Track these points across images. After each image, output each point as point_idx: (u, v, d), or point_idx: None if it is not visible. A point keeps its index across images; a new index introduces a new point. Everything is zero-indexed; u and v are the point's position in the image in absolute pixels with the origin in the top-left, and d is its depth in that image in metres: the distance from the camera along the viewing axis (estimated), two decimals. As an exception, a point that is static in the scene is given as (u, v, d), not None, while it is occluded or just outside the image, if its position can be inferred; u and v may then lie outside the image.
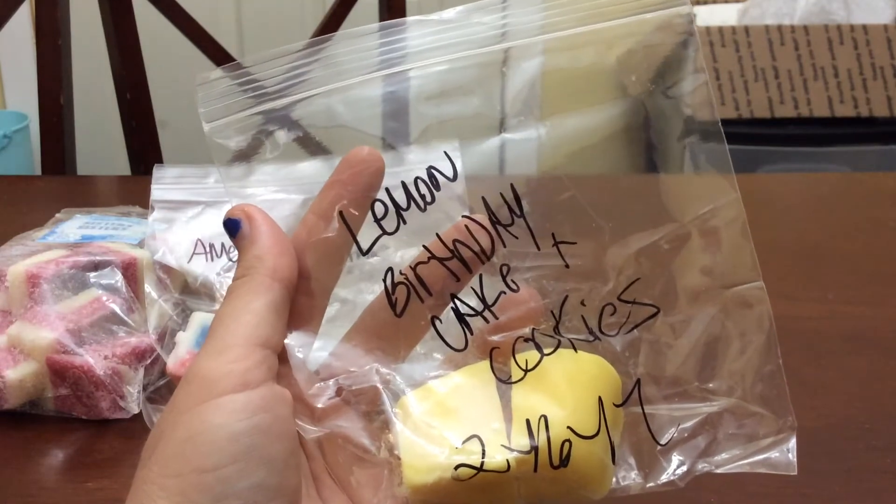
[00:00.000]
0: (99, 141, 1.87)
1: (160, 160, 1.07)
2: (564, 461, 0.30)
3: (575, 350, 0.33)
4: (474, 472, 0.30)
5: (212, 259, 0.55)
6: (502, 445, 0.30)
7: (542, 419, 0.30)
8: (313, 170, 0.53)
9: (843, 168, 1.92)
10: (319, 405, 0.32)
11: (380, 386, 0.32)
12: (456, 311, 0.33)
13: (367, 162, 0.33)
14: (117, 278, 0.53)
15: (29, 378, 0.49)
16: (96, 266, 0.53)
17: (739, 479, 0.43)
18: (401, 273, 0.34)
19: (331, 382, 0.33)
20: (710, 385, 0.35)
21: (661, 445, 0.34)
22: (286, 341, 0.32)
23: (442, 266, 0.33)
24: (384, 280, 0.34)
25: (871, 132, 1.92)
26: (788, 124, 1.91)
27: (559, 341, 0.33)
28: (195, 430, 0.28)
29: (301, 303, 0.33)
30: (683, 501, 0.41)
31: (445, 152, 0.36)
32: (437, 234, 0.34)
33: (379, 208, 0.34)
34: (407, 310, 0.33)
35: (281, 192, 0.51)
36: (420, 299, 0.33)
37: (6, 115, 2.15)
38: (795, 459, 0.35)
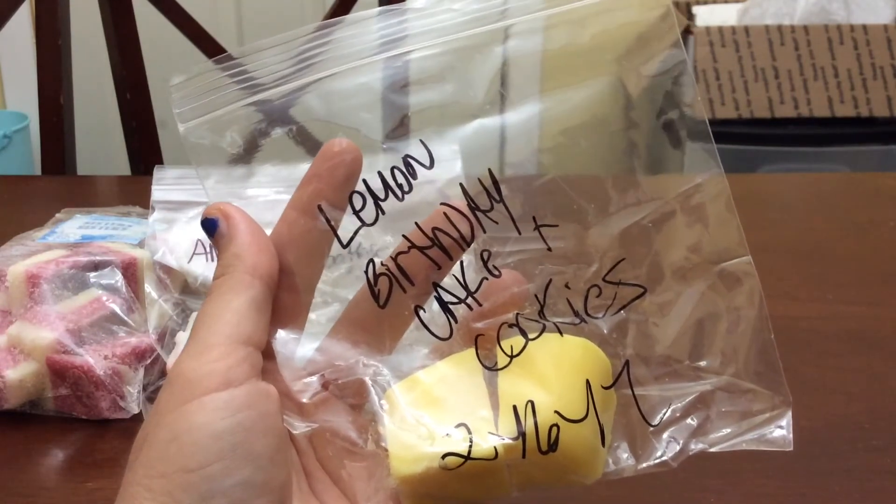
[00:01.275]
0: (99, 141, 1.87)
1: (160, 160, 1.07)
2: (553, 446, 0.30)
3: (561, 334, 0.33)
4: (462, 460, 0.30)
5: (212, 259, 0.55)
6: (489, 433, 0.30)
7: (529, 405, 0.30)
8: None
9: (843, 168, 1.92)
10: (306, 400, 0.32)
11: (366, 379, 0.32)
12: (439, 299, 0.33)
13: (343, 154, 0.33)
14: (117, 278, 0.53)
15: (29, 378, 0.49)
16: (96, 266, 0.53)
17: (739, 479, 0.43)
18: (382, 264, 0.34)
19: (317, 377, 0.32)
20: (702, 363, 0.35)
21: (652, 426, 0.34)
22: (271, 337, 0.32)
23: (423, 255, 0.33)
24: (366, 272, 0.33)
25: (871, 132, 1.92)
26: (788, 124, 1.91)
27: (544, 325, 0.33)
28: (179, 430, 0.28)
29: (284, 299, 0.33)
30: (683, 501, 0.41)
31: (421, 140, 0.36)
32: (416, 223, 0.34)
33: (357, 200, 0.34)
34: (390, 301, 0.33)
35: (283, 192, 0.51)
36: (403, 290, 0.33)
37: (6, 115, 2.15)
38: (791, 435, 0.34)
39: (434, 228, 0.34)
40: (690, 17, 2.03)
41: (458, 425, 0.30)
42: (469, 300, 0.33)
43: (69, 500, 0.41)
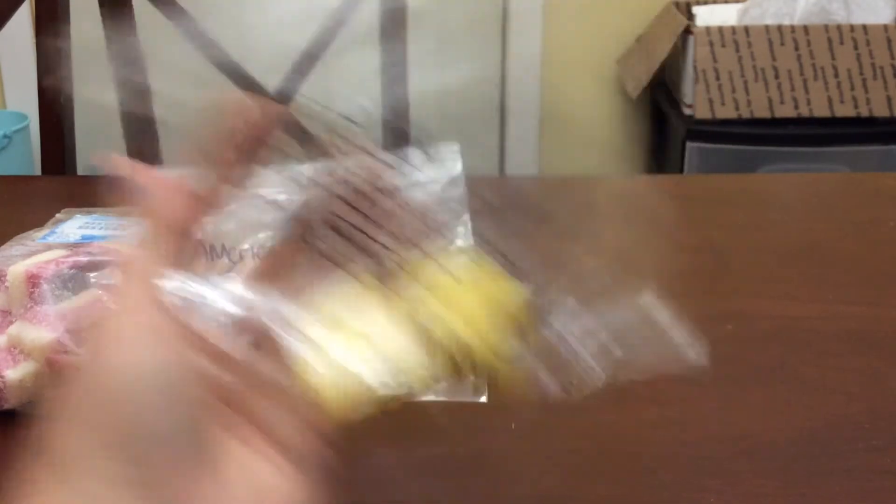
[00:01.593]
0: (99, 141, 1.87)
1: (160, 160, 1.07)
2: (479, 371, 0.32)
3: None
4: (397, 400, 0.31)
5: (212, 260, 0.55)
6: (413, 371, 0.31)
7: (455, 341, 0.31)
8: (314, 172, 0.53)
9: (843, 168, 1.92)
10: (225, 349, 0.33)
11: (284, 327, 0.33)
12: (357, 243, 0.34)
13: (243, 111, 0.34)
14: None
15: (29, 378, 0.49)
16: (96, 266, 0.53)
17: (739, 479, 0.43)
18: (300, 216, 0.35)
19: (236, 326, 0.33)
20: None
21: (576, 359, 0.35)
22: (173, 287, 0.33)
23: (342, 203, 0.35)
24: (285, 225, 0.35)
25: (871, 132, 1.92)
26: (788, 124, 1.91)
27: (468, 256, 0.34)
28: (97, 386, 0.30)
29: (184, 247, 0.34)
30: (683, 501, 0.42)
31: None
32: (330, 176, 0.35)
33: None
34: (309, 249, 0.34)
35: (283, 192, 0.51)
36: (320, 239, 0.34)
37: (6, 115, 2.16)
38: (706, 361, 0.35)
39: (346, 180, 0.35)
40: (690, 17, 2.03)
41: (385, 365, 0.31)
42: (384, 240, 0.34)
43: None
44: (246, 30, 2.26)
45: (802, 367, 0.52)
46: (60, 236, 0.60)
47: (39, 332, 0.49)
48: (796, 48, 1.88)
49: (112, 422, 0.29)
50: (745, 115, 1.90)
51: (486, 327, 0.32)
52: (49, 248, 0.56)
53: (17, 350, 0.50)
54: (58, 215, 0.64)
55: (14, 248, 0.57)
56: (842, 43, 1.87)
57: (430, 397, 0.44)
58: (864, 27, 1.88)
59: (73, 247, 0.56)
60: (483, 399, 0.46)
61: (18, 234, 0.60)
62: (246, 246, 0.49)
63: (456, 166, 0.54)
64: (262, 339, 0.33)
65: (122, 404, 0.29)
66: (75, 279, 0.53)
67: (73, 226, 0.61)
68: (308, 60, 1.10)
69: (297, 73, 1.10)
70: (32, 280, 0.51)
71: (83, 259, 0.53)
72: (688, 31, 1.92)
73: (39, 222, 0.62)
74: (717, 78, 1.88)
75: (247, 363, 0.33)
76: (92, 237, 0.59)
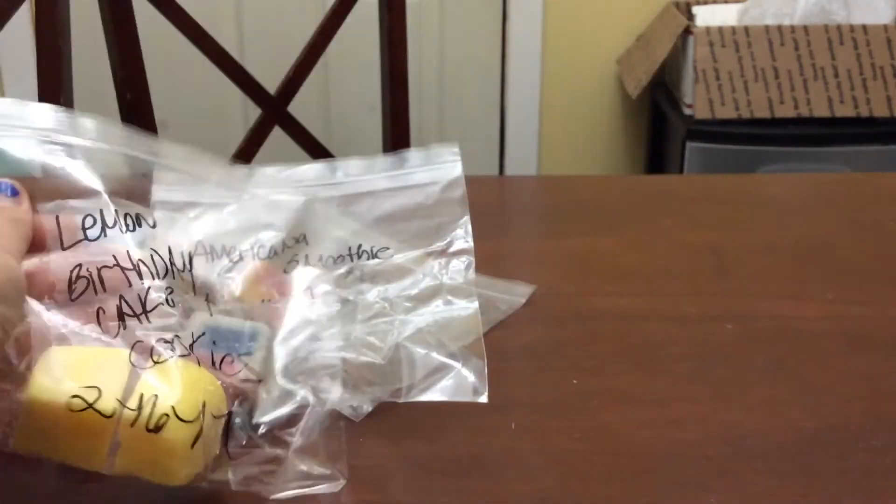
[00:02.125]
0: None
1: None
2: (158, 428, 0.38)
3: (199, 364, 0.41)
4: (85, 406, 0.37)
5: (212, 260, 0.55)
6: (116, 399, 0.38)
7: (154, 396, 0.38)
8: (313, 173, 0.53)
9: (842, 168, 1.92)
10: None
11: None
12: (119, 308, 0.41)
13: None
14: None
15: None
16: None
17: (739, 479, 0.43)
18: (87, 270, 0.41)
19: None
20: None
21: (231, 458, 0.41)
22: None
23: (123, 272, 0.42)
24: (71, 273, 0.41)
25: (870, 132, 1.92)
26: (788, 124, 1.91)
27: (188, 354, 0.41)
28: None
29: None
30: (683, 501, 0.42)
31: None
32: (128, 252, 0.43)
33: None
34: (82, 297, 0.41)
35: (282, 193, 0.51)
36: (95, 292, 0.41)
37: (6, 115, 2.15)
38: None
39: (140, 260, 0.43)
40: (690, 17, 2.03)
41: (95, 386, 0.38)
42: (142, 316, 0.41)
43: (69, 500, 0.42)
44: (246, 29, 2.27)
45: (802, 367, 0.52)
46: None
47: None
48: (796, 48, 1.88)
49: None
50: (745, 115, 1.90)
51: (181, 398, 0.39)
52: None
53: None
54: None
55: None
56: (842, 43, 1.88)
57: (431, 397, 0.45)
58: (864, 27, 1.88)
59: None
60: (483, 399, 0.46)
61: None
62: (246, 246, 0.49)
63: (455, 168, 0.54)
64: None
65: None
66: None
67: None
68: (307, 59, 1.10)
69: (298, 73, 1.10)
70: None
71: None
72: (688, 31, 1.92)
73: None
74: (717, 78, 1.88)
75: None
76: (92, 237, 0.59)
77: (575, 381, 0.50)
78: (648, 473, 0.43)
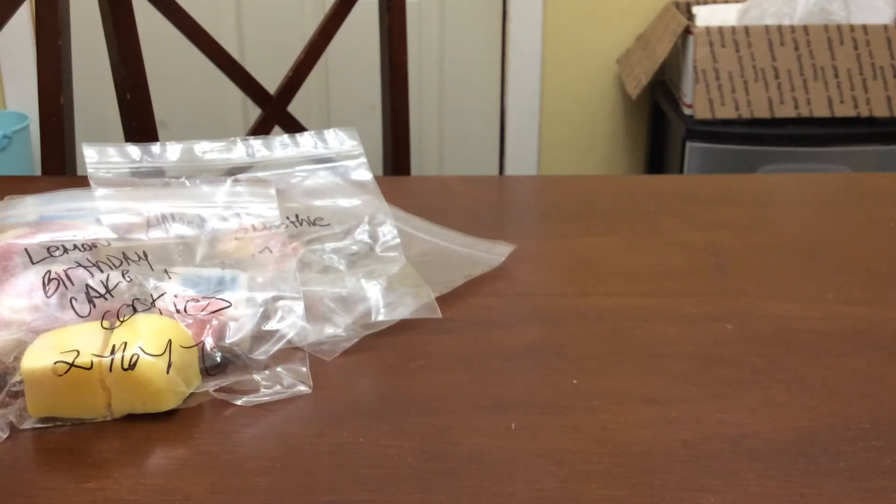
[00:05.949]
0: (99, 141, 1.87)
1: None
2: (132, 366, 0.45)
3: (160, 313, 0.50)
4: (67, 366, 0.45)
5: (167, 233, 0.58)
6: (92, 354, 0.45)
7: (124, 343, 0.46)
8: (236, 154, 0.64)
9: (842, 168, 1.92)
10: None
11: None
12: (87, 294, 0.50)
13: None
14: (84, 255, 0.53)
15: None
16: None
17: (739, 479, 0.43)
18: (55, 273, 0.50)
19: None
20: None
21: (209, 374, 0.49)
22: None
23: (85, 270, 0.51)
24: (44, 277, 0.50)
25: (870, 132, 1.92)
26: (788, 124, 1.91)
27: (150, 308, 0.50)
28: None
29: None
30: (683, 501, 0.42)
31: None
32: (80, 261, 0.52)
33: None
34: (56, 293, 0.50)
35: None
36: (65, 287, 0.50)
37: (6, 115, 2.15)
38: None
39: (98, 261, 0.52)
40: (690, 17, 2.03)
41: (73, 350, 0.45)
42: (107, 295, 0.50)
43: (69, 500, 0.42)
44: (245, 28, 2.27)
45: (802, 367, 0.52)
46: (19, 217, 0.59)
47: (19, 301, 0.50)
48: (796, 48, 1.88)
49: None
50: (745, 115, 1.90)
51: (147, 339, 0.46)
52: (12, 227, 0.56)
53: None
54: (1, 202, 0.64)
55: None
56: (842, 43, 1.87)
57: (394, 316, 0.55)
58: (864, 27, 1.88)
59: (34, 226, 0.56)
60: (438, 314, 0.54)
61: (18, 234, 0.60)
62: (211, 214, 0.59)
63: (359, 149, 0.65)
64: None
65: None
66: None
67: (27, 207, 0.61)
68: (307, 59, 1.10)
69: (298, 73, 1.10)
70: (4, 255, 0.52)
71: (49, 236, 0.54)
72: (688, 31, 1.92)
73: (39, 222, 0.62)
74: (717, 78, 1.88)
75: None
76: (50, 217, 0.59)
77: (575, 381, 0.50)
78: (648, 473, 0.43)
